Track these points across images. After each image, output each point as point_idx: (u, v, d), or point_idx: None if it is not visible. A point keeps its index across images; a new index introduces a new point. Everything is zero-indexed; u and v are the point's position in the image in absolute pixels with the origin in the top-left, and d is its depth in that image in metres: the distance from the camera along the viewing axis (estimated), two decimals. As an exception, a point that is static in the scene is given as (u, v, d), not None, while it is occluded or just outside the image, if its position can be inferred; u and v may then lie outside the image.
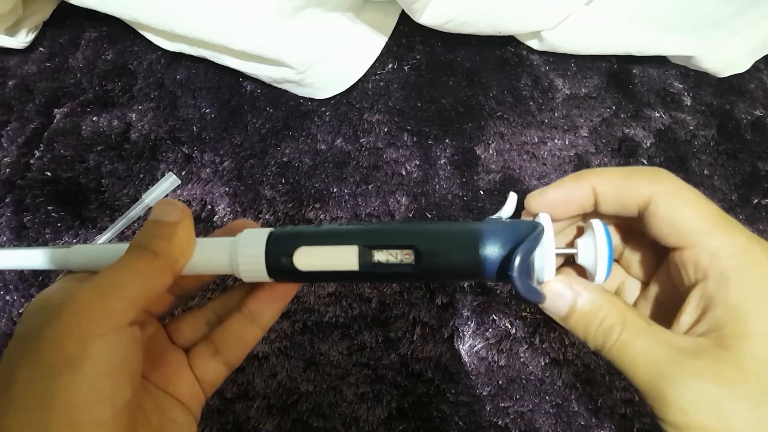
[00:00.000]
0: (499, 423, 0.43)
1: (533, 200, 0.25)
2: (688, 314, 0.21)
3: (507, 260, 0.21)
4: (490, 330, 0.46)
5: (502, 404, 0.44)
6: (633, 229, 0.26)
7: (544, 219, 0.23)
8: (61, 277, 0.24)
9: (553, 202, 0.24)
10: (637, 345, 0.20)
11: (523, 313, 0.46)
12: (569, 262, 0.27)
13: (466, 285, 0.47)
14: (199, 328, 0.27)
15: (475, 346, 0.45)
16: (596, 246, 0.23)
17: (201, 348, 0.26)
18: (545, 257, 0.22)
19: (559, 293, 0.22)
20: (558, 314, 0.23)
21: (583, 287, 0.22)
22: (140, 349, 0.21)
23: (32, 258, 0.26)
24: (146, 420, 0.22)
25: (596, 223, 0.23)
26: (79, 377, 0.18)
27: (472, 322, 0.46)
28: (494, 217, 0.24)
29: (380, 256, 0.23)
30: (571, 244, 0.25)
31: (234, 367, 0.27)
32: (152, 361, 0.24)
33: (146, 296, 0.21)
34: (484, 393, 0.44)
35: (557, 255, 0.23)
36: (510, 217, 0.24)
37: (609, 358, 0.21)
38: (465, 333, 0.46)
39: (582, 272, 0.25)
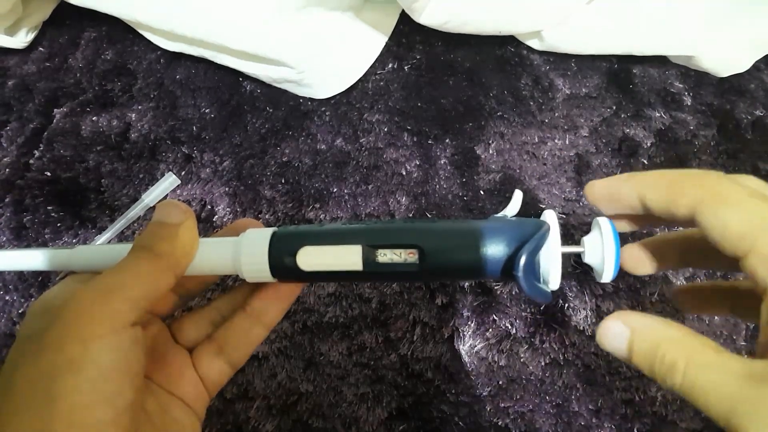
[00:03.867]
0: (500, 423, 0.43)
1: (589, 191, 0.24)
2: (762, 333, 0.19)
3: (512, 259, 0.21)
4: (491, 330, 0.46)
5: (503, 404, 0.44)
6: None
7: (549, 217, 0.23)
8: (62, 278, 0.24)
9: (600, 197, 0.23)
10: (705, 382, 0.18)
11: (523, 314, 0.46)
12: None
13: (466, 285, 0.47)
14: (203, 327, 0.27)
15: (476, 346, 0.45)
16: (603, 244, 0.22)
17: (205, 347, 0.26)
18: (551, 257, 0.22)
19: (615, 333, 0.21)
20: (619, 356, 0.21)
21: (640, 320, 0.20)
22: (142, 350, 0.21)
23: (35, 259, 0.25)
24: (149, 420, 0.22)
25: (603, 221, 0.23)
26: (80, 379, 0.18)
27: (472, 322, 0.46)
28: (499, 215, 0.24)
29: (384, 255, 0.23)
30: (578, 243, 0.24)
31: (238, 367, 0.26)
32: (155, 361, 0.24)
33: (149, 297, 0.21)
34: (484, 393, 0.44)
35: (563, 253, 0.23)
36: (515, 215, 0.24)
37: (683, 396, 0.19)
38: (465, 333, 0.46)
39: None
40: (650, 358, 0.20)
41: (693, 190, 0.20)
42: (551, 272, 0.22)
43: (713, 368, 0.18)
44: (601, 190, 0.23)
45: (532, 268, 0.21)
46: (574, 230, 0.50)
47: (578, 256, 0.24)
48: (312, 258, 0.23)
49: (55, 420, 0.18)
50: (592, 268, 0.24)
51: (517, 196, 0.24)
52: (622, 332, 0.20)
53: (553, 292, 0.23)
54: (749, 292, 0.22)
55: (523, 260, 0.20)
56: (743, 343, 0.46)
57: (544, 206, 0.51)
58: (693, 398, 0.18)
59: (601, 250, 0.23)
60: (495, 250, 0.22)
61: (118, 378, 0.19)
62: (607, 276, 0.23)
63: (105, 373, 0.19)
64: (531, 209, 0.50)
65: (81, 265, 0.25)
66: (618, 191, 0.22)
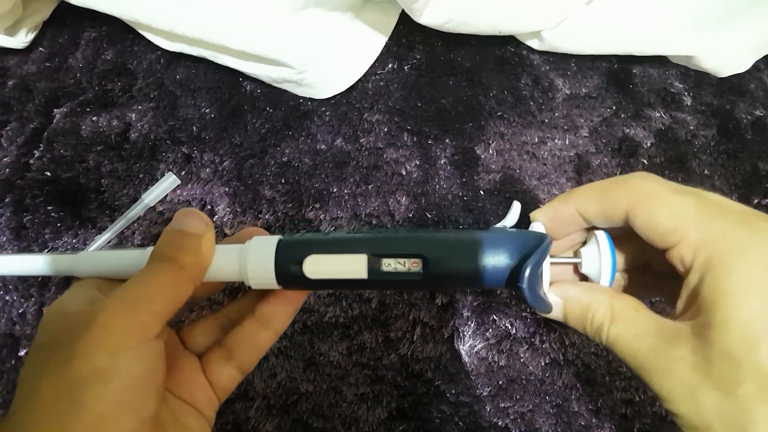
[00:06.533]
0: (499, 423, 0.43)
1: (535, 220, 0.26)
2: (679, 302, 0.21)
3: (515, 271, 0.22)
4: (491, 330, 0.46)
5: (503, 404, 0.44)
6: None
7: (539, 229, 0.24)
8: (75, 284, 0.24)
9: (546, 223, 0.25)
10: (624, 338, 0.21)
11: (523, 314, 0.46)
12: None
13: (466, 285, 0.47)
14: (212, 333, 0.27)
15: (475, 346, 0.45)
16: (600, 255, 0.23)
17: (214, 353, 0.26)
18: (543, 269, 0.23)
19: (551, 301, 0.23)
20: (558, 320, 0.24)
21: (571, 289, 0.23)
22: (164, 361, 0.21)
23: (38, 264, 0.26)
24: (162, 428, 0.22)
25: (599, 233, 0.24)
26: (108, 389, 0.18)
27: (472, 322, 0.46)
28: (498, 225, 0.25)
29: (389, 265, 0.23)
30: (576, 254, 0.25)
31: (247, 372, 0.27)
32: (166, 367, 0.24)
33: (171, 309, 0.21)
34: (484, 393, 0.44)
35: (562, 263, 0.24)
36: (513, 226, 0.25)
37: (611, 350, 0.22)
38: (465, 333, 0.46)
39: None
40: (582, 320, 0.23)
41: (623, 195, 0.22)
42: (543, 281, 0.23)
43: (631, 326, 0.21)
44: (545, 217, 0.25)
45: (536, 279, 0.22)
46: (574, 230, 0.50)
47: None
48: (318, 266, 0.23)
49: (80, 428, 0.18)
50: (590, 277, 0.24)
51: (515, 208, 0.25)
52: (557, 301, 0.23)
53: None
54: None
55: (528, 272, 0.21)
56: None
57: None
58: (616, 352, 0.21)
59: (597, 261, 0.23)
60: (498, 261, 0.22)
61: (144, 388, 0.20)
62: (603, 285, 0.24)
63: (132, 383, 0.19)
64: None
65: (84, 270, 0.25)
66: (559, 214, 0.25)
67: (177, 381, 0.24)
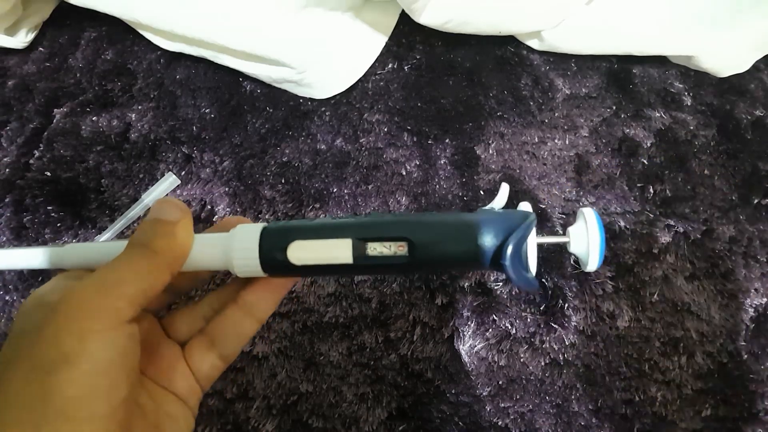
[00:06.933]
0: (499, 423, 0.43)
1: None
2: None
3: (500, 249, 0.22)
4: (490, 330, 0.46)
5: (503, 404, 0.44)
6: None
7: (526, 208, 0.24)
8: (56, 275, 0.24)
9: None
10: None
11: (523, 314, 0.46)
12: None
13: (466, 285, 0.47)
14: (195, 322, 0.27)
15: (475, 346, 0.45)
16: (588, 234, 0.23)
17: (197, 341, 0.26)
18: (529, 245, 0.22)
19: None
20: None
21: None
22: (138, 346, 0.21)
23: (27, 258, 0.26)
24: (143, 415, 0.22)
25: (587, 211, 0.24)
26: (75, 373, 0.18)
27: (472, 322, 0.46)
28: (487, 207, 0.24)
29: (374, 248, 0.23)
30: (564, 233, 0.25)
31: (230, 361, 0.27)
32: (148, 355, 0.24)
33: (145, 294, 0.21)
34: (484, 393, 0.44)
35: (549, 242, 0.24)
36: (503, 207, 0.24)
37: None
38: (465, 333, 0.46)
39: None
40: None
41: None
42: (529, 260, 0.23)
43: None
44: None
45: (519, 257, 0.22)
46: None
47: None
48: (302, 252, 0.23)
49: (49, 413, 0.18)
50: (578, 257, 0.24)
51: (504, 189, 0.25)
52: None
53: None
54: None
55: (510, 250, 0.21)
56: (743, 343, 0.46)
57: (544, 206, 0.51)
58: None
59: (585, 240, 0.23)
60: (483, 240, 0.22)
61: (114, 373, 0.19)
62: (592, 265, 0.23)
63: (101, 367, 0.19)
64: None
65: (73, 262, 0.25)
66: None
67: (158, 369, 0.24)
